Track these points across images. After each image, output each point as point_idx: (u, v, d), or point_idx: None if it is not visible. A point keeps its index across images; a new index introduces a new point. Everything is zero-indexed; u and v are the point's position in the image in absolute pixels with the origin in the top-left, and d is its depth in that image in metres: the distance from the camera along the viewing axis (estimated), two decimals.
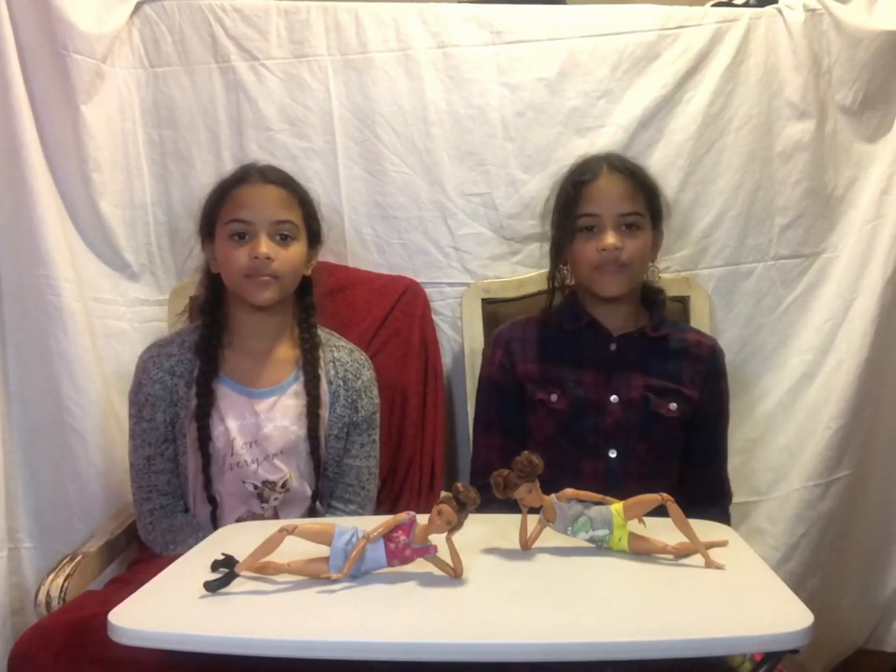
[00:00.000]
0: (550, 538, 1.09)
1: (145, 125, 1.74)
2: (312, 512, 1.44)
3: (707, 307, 1.72)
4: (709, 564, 1.02)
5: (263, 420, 1.40)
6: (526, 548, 1.09)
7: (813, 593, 1.75)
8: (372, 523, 1.00)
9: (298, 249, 1.40)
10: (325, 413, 1.44)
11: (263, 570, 0.99)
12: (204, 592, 0.94)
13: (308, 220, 1.44)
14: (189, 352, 1.42)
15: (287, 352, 1.46)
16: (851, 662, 1.87)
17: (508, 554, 1.07)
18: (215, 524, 1.40)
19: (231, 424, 1.39)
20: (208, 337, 1.41)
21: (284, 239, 1.38)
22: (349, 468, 1.47)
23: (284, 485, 1.41)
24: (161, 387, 1.40)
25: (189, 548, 1.17)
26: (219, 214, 1.40)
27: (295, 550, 0.99)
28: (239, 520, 1.40)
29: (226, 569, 0.97)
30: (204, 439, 1.37)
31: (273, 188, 1.41)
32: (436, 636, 0.87)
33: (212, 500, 1.40)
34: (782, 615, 0.88)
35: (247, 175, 1.42)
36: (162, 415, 1.40)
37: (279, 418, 1.41)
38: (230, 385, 1.41)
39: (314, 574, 0.98)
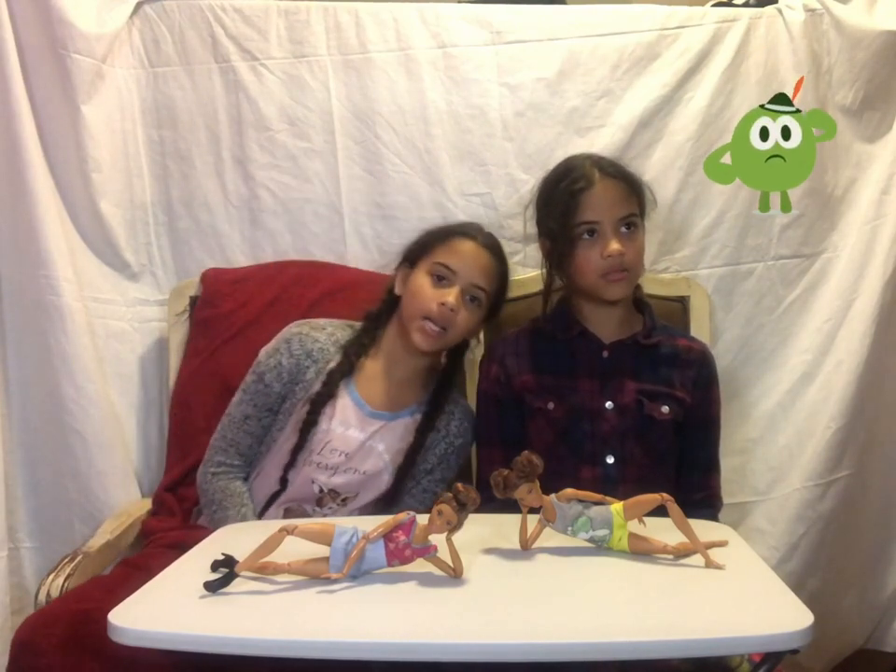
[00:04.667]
0: (550, 538, 1.09)
1: (145, 125, 1.74)
2: None
3: (706, 307, 1.72)
4: (709, 564, 1.01)
5: (365, 437, 1.43)
6: (526, 548, 1.08)
7: (813, 593, 1.75)
8: (372, 523, 1.00)
9: (476, 316, 1.45)
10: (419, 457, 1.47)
11: (263, 570, 0.99)
12: (205, 592, 0.94)
13: (497, 296, 1.48)
14: (333, 345, 1.46)
15: (415, 388, 1.49)
16: (851, 662, 1.87)
17: (508, 554, 1.07)
18: (268, 504, 1.43)
19: (336, 427, 1.42)
20: (360, 342, 1.46)
21: (472, 301, 1.43)
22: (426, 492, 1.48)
23: (344, 501, 1.43)
24: (294, 363, 1.44)
25: (229, 521, 1.34)
26: (433, 251, 1.44)
27: (295, 550, 0.98)
28: (287, 510, 1.43)
29: (226, 569, 0.97)
30: (310, 423, 1.40)
31: (487, 255, 1.45)
32: (436, 636, 0.87)
33: (283, 482, 1.42)
34: (782, 615, 0.88)
35: (473, 233, 1.47)
36: (280, 387, 1.44)
37: (378, 443, 1.44)
38: (352, 394, 1.45)
39: (314, 574, 0.98)
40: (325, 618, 0.91)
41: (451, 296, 1.39)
